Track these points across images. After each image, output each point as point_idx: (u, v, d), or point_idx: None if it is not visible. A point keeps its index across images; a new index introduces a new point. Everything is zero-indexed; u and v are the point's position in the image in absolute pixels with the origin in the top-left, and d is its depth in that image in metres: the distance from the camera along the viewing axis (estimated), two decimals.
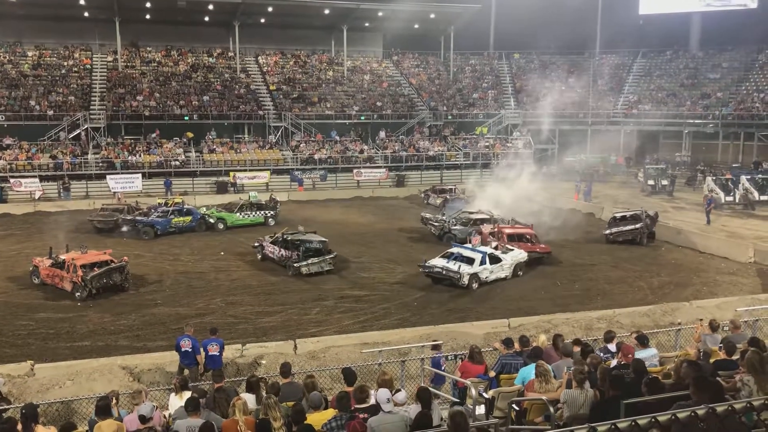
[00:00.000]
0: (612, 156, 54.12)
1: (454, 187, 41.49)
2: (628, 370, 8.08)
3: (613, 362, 9.74)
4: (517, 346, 11.38)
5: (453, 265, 22.48)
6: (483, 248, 24.01)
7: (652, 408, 4.82)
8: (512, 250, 24.83)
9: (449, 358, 12.39)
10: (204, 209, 33.95)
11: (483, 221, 29.56)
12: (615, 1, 58.52)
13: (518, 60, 64.67)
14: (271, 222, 33.61)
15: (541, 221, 30.59)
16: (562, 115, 55.25)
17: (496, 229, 27.80)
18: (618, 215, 31.22)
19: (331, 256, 24.81)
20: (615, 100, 59.06)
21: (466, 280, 22.11)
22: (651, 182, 43.42)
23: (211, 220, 32.54)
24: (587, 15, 58.54)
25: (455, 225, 29.78)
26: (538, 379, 8.68)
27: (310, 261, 24.24)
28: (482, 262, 22.71)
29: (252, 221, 33.45)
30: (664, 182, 43.18)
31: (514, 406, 8.46)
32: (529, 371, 9.44)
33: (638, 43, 61.38)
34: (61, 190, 39.99)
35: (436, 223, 30.44)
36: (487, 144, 51.92)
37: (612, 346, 11.01)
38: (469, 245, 24.50)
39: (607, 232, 30.32)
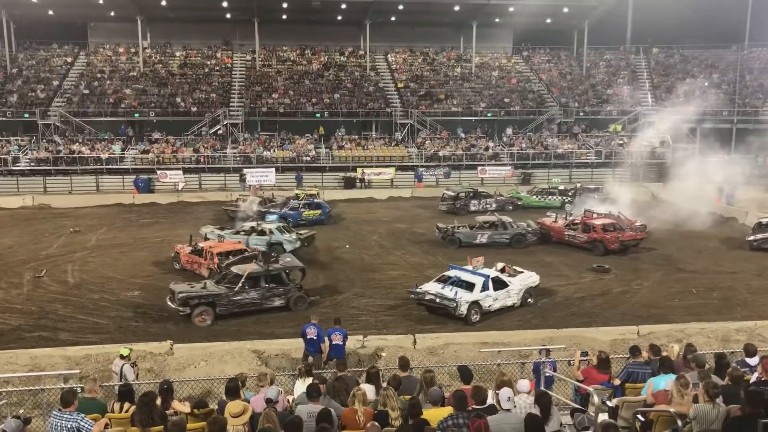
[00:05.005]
0: (759, 156, 50.11)
1: (600, 186, 39.34)
2: None
3: (753, 377, 9.10)
4: (645, 354, 10.89)
5: (449, 292, 19.12)
6: (485, 271, 20.16)
7: None
8: (522, 272, 21.47)
9: (571, 362, 12.03)
10: (515, 191, 40.05)
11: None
12: None
13: (657, 54, 61.24)
14: (568, 207, 34.40)
15: (676, 225, 29.09)
16: (704, 113, 51.86)
17: (579, 221, 26.59)
18: (764, 221, 28.97)
19: None
20: (765, 96, 54.59)
21: (464, 309, 18.64)
22: None
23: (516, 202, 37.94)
24: (736, 5, 54.28)
25: (283, 234, 26.68)
26: (677, 391, 8.16)
27: None
28: (484, 288, 19.27)
29: (546, 204, 37.17)
30: None
31: (639, 416, 8.12)
32: (659, 382, 9.00)
33: None
34: (239, 182, 42.66)
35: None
36: (621, 142, 49.73)
37: (752, 361, 10.24)
38: (469, 267, 20.39)
39: (751, 238, 28.32)
